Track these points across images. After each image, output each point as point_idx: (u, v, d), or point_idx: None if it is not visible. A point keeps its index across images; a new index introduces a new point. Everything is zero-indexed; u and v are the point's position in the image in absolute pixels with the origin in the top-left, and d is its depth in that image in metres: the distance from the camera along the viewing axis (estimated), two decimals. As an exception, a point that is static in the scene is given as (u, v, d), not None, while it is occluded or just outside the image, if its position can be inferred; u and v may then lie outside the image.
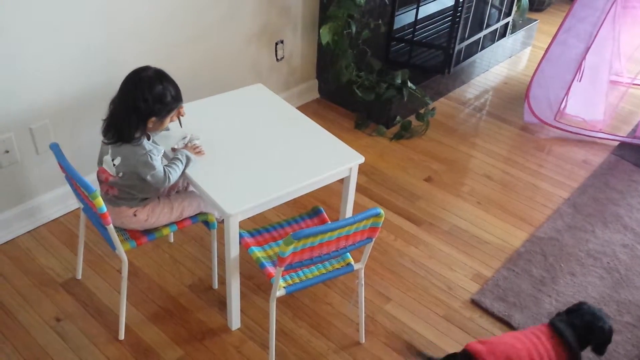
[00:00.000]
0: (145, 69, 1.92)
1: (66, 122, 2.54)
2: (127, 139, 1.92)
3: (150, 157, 1.92)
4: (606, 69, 3.65)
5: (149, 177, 1.93)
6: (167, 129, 2.17)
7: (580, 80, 3.55)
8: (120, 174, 1.96)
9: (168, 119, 1.98)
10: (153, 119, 1.91)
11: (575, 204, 3.05)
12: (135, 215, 2.02)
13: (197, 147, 2.12)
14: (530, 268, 2.61)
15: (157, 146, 2.00)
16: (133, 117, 1.89)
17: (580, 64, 3.48)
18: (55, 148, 1.96)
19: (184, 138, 2.13)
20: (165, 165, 1.98)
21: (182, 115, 2.11)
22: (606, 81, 3.68)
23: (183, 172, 2.02)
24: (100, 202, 1.80)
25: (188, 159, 2.03)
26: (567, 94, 3.57)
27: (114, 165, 1.95)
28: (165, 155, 2.08)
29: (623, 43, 3.77)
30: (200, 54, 2.95)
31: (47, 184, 2.60)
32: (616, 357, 2.24)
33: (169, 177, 1.96)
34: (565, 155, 3.49)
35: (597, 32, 3.37)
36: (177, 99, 1.96)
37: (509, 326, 2.33)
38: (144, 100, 1.87)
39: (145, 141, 1.95)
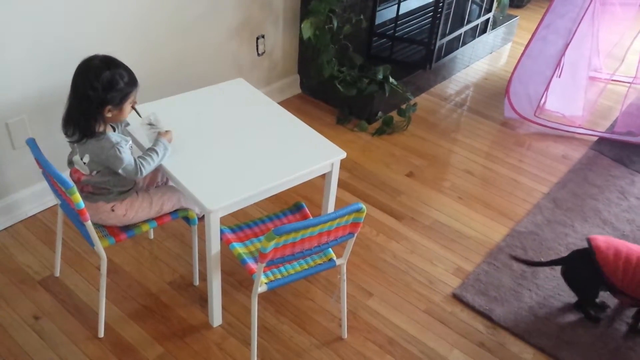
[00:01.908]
0: (92, 58, 1.86)
1: (43, 117, 2.49)
2: (89, 134, 1.88)
3: (119, 150, 1.87)
4: (585, 65, 3.69)
5: (120, 171, 1.90)
6: (128, 124, 2.13)
7: (559, 76, 3.58)
8: (94, 172, 1.93)
9: (127, 107, 1.92)
10: (108, 107, 1.86)
11: (554, 198, 3.08)
12: (113, 210, 1.99)
13: (165, 132, 2.05)
14: (510, 262, 2.63)
15: (124, 137, 1.96)
16: (88, 109, 1.85)
17: (560, 60, 3.51)
18: (31, 143, 1.93)
19: (149, 124, 2.04)
20: (139, 157, 1.94)
21: (135, 103, 2.07)
22: (585, 77, 3.72)
23: (159, 162, 1.98)
24: (77, 198, 1.77)
25: (166, 150, 2.00)
26: (546, 89, 3.60)
27: (84, 163, 1.92)
28: (139, 146, 2.05)
29: (602, 39, 3.81)
30: (181, 48, 2.93)
31: (23, 180, 2.56)
32: (596, 353, 2.26)
33: (140, 169, 1.91)
34: (545, 151, 3.52)
35: (577, 28, 3.41)
36: (131, 83, 1.89)
37: (490, 320, 2.34)
38: (93, 89, 1.82)
39: (111, 133, 1.91)
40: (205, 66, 3.11)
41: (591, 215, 2.97)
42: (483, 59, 4.60)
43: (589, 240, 2.29)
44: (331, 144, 2.23)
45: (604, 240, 2.28)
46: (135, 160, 1.92)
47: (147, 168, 1.94)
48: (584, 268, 2.29)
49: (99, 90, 1.83)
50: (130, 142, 2.00)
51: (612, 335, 2.32)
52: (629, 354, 2.25)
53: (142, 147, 2.10)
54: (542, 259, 2.65)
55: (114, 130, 1.98)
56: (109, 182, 1.96)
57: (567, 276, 2.38)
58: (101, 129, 1.89)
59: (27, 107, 2.43)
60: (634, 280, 2.19)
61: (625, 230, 2.88)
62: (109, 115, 1.88)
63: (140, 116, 2.11)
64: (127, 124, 2.12)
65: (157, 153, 1.97)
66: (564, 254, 2.68)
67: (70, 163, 1.98)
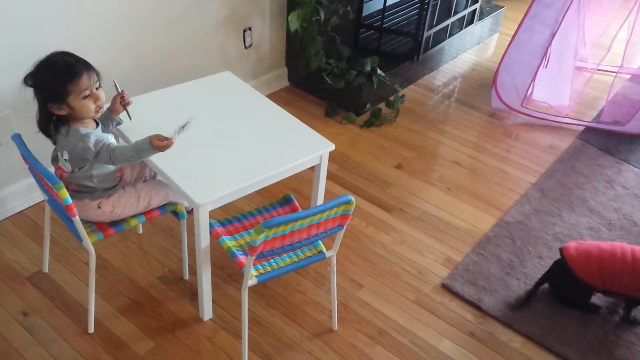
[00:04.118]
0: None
1: (29, 112, 2.44)
2: (46, 132, 1.89)
3: (84, 140, 1.84)
4: (571, 55, 3.71)
5: (93, 159, 1.87)
6: (120, 123, 2.11)
7: (546, 66, 3.60)
8: (76, 169, 1.91)
9: (80, 102, 1.83)
10: (49, 104, 1.82)
11: (542, 188, 3.10)
12: (99, 207, 1.98)
13: (166, 138, 1.85)
14: (499, 252, 2.65)
15: (94, 131, 1.90)
16: (38, 107, 1.85)
17: (546, 50, 3.52)
18: (17, 139, 1.91)
19: (183, 126, 1.85)
20: (118, 146, 1.86)
21: (128, 104, 2.06)
22: (571, 67, 3.74)
23: (133, 154, 1.85)
24: (64, 193, 1.76)
25: (144, 151, 1.84)
26: (533, 80, 3.62)
27: (65, 160, 1.90)
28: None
29: (588, 29, 3.84)
30: (167, 42, 2.91)
31: (10, 176, 2.54)
32: (584, 341, 2.29)
33: (112, 158, 1.84)
34: (532, 141, 3.54)
35: (563, 18, 3.42)
36: (67, 79, 1.80)
37: (479, 309, 2.36)
38: (33, 87, 1.83)
39: (81, 128, 1.88)
40: (191, 59, 3.09)
41: (578, 204, 3.00)
42: (470, 50, 4.61)
43: (560, 250, 2.34)
44: (320, 136, 2.23)
45: (574, 247, 2.32)
46: (109, 147, 1.84)
47: (120, 159, 1.84)
48: (564, 278, 2.34)
49: (36, 88, 1.83)
50: (110, 137, 1.96)
51: (599, 323, 2.34)
52: (615, 341, 2.27)
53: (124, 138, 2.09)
54: (530, 249, 2.67)
55: (97, 126, 1.96)
56: (92, 180, 1.94)
57: (553, 289, 2.43)
58: (65, 126, 1.87)
59: (12, 103, 2.40)
60: (614, 278, 2.23)
61: (612, 219, 2.91)
62: (62, 112, 1.84)
63: (130, 118, 2.09)
64: (119, 123, 2.11)
65: (133, 146, 1.85)
66: (552, 243, 2.71)
67: (54, 160, 1.97)
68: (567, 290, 2.37)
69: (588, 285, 2.27)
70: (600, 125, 3.66)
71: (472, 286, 2.46)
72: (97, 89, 1.87)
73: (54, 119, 1.88)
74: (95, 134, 1.88)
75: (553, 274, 2.39)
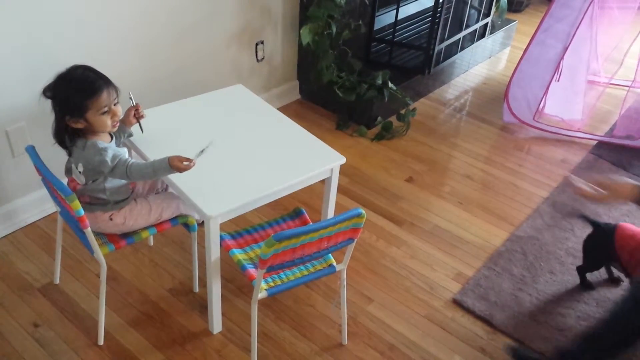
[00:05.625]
0: (69, 69, 1.85)
1: (43, 124, 2.47)
2: (63, 144, 1.90)
3: (102, 153, 1.85)
4: (584, 69, 3.69)
5: (108, 173, 1.87)
6: (131, 134, 2.12)
7: (558, 80, 3.58)
8: (90, 182, 1.92)
9: (97, 117, 1.84)
10: (67, 117, 1.83)
11: (554, 203, 3.08)
12: (111, 219, 1.99)
13: (186, 159, 1.84)
14: (510, 267, 2.63)
15: (111, 145, 1.92)
16: (55, 119, 1.86)
17: (559, 64, 3.51)
18: (31, 150, 1.93)
19: (203, 149, 1.87)
20: (135, 162, 1.87)
21: (142, 117, 2.07)
22: (584, 81, 3.73)
23: (150, 172, 1.87)
24: (77, 205, 1.77)
25: (161, 170, 1.85)
26: (545, 93, 3.61)
27: (80, 172, 1.91)
28: (145, 159, 2.05)
29: (600, 43, 3.82)
30: (180, 55, 2.93)
31: (23, 188, 2.56)
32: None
33: (128, 174, 1.85)
34: (544, 155, 3.52)
35: (575, 32, 3.41)
36: (87, 95, 1.80)
37: (491, 325, 2.34)
38: (52, 99, 1.84)
39: (99, 141, 1.88)
40: (204, 72, 3.11)
41: (591, 219, 2.97)
42: (482, 64, 4.61)
43: (614, 224, 2.40)
44: (331, 149, 2.23)
45: (631, 225, 2.36)
46: (126, 163, 1.86)
47: (136, 175, 1.86)
48: (602, 237, 2.39)
49: (55, 100, 1.84)
50: (125, 151, 1.98)
51: (613, 340, 2.31)
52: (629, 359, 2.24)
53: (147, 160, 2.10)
54: (542, 264, 2.65)
55: (111, 139, 1.98)
56: (105, 192, 1.95)
57: (587, 239, 2.49)
58: (82, 138, 1.88)
59: (26, 115, 2.43)
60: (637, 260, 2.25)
61: (625, 234, 2.88)
62: (79, 126, 1.85)
63: (142, 131, 2.11)
64: (131, 135, 2.12)
65: (152, 169, 1.86)
66: (564, 258, 2.69)
67: (68, 171, 1.98)
68: (593, 250, 2.47)
69: (615, 254, 2.31)
70: (613, 140, 3.63)
71: (483, 301, 2.44)
72: (115, 104, 1.89)
73: (70, 130, 1.89)
74: (112, 149, 1.89)
75: (598, 229, 2.44)
